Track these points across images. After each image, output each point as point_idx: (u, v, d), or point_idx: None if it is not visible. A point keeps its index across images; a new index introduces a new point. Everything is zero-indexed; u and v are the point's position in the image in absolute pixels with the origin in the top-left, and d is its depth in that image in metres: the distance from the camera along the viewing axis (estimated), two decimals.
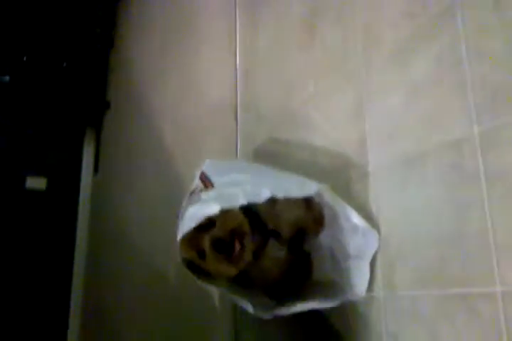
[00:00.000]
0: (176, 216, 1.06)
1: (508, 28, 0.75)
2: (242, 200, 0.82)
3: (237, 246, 0.87)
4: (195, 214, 0.84)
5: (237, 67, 1.49)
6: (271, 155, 1.24)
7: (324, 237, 1.01)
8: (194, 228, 0.84)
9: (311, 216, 1.02)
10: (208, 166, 1.07)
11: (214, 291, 1.32)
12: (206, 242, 0.86)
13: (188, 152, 1.70)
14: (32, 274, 2.80)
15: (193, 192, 0.97)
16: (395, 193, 0.90)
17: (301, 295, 0.97)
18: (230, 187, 0.86)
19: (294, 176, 0.96)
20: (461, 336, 0.74)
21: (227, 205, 0.83)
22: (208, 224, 0.85)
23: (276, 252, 0.96)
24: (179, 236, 0.85)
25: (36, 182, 3.00)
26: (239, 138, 1.41)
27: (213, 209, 0.82)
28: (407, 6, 0.93)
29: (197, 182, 1.01)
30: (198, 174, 1.07)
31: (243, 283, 0.96)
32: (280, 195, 0.84)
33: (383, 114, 0.95)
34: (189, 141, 1.70)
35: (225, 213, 0.83)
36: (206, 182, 0.95)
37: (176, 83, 1.88)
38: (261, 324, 1.13)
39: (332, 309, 0.93)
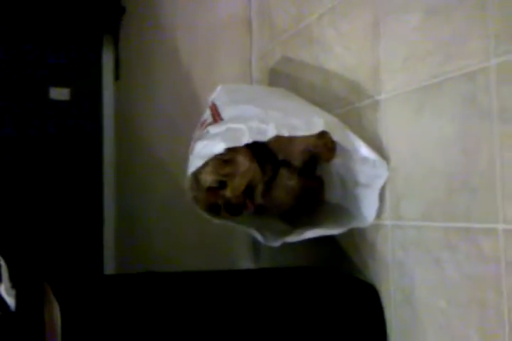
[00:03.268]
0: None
1: None
2: (246, 138, 0.82)
3: (250, 206, 0.90)
4: (201, 151, 0.85)
5: None
6: (285, 76, 1.20)
7: (335, 164, 1.02)
8: (209, 187, 0.87)
9: (322, 142, 1.01)
10: (219, 94, 1.05)
11: None
12: (220, 201, 0.89)
13: (202, 67, 1.66)
14: (64, 184, 2.94)
15: (203, 124, 0.97)
16: (406, 124, 0.88)
17: (314, 220, 1.01)
18: (237, 121, 0.86)
19: (304, 108, 0.94)
20: (463, 268, 0.77)
21: (232, 143, 0.83)
22: (221, 184, 0.88)
23: (287, 181, 0.98)
24: (188, 172, 0.88)
25: (60, 93, 3.02)
26: (253, 55, 1.36)
27: (218, 147, 0.83)
28: None
29: (207, 113, 1.00)
30: (209, 102, 1.06)
31: (259, 211, 1.00)
32: (285, 133, 0.84)
33: (399, 38, 0.89)
34: (203, 55, 1.65)
35: (235, 173, 0.86)
36: (215, 115, 0.94)
37: None
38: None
39: (343, 234, 0.97)
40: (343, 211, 0.98)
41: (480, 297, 0.74)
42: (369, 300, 0.95)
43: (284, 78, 1.21)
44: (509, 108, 0.70)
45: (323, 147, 1.01)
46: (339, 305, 0.97)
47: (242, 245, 1.38)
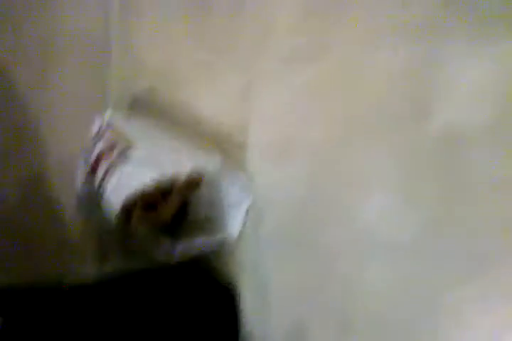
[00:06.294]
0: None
1: None
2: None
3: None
4: (133, 178, 0.96)
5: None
6: (152, 111, 1.30)
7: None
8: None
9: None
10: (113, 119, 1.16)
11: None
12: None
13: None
14: None
15: (111, 148, 1.05)
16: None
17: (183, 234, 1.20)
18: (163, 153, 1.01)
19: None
20: None
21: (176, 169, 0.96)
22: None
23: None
24: (121, 200, 0.94)
25: None
26: (111, 77, 1.40)
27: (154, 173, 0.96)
28: None
29: (108, 137, 1.09)
30: (101, 127, 1.15)
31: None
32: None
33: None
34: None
35: None
36: (127, 140, 1.04)
37: None
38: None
39: None
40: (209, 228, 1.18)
41: None
42: (224, 301, 1.10)
43: (151, 113, 1.30)
44: None
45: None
46: (193, 306, 1.07)
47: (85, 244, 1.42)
